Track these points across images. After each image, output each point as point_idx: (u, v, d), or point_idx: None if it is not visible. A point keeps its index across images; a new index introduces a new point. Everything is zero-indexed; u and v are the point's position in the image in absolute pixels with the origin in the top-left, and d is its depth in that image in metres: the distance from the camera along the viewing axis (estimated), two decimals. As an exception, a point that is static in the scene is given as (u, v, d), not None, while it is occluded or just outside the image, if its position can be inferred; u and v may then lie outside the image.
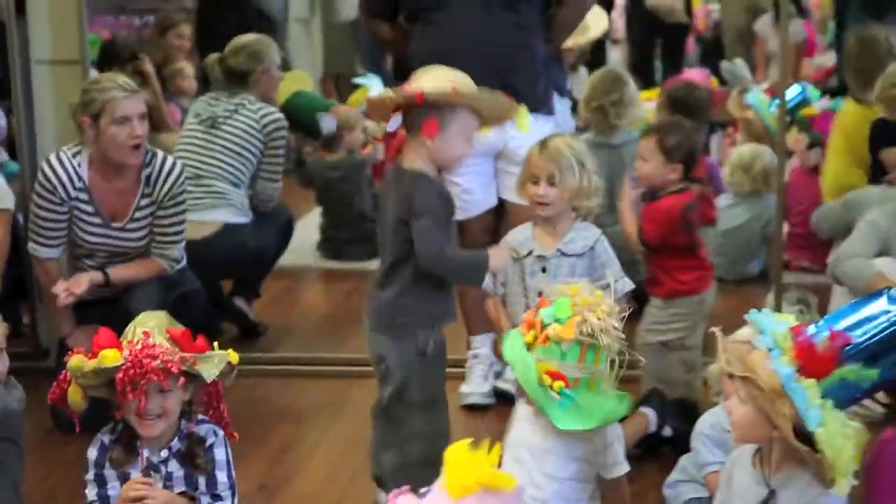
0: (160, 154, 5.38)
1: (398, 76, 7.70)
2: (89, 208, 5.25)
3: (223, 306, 6.29)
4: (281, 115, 6.34)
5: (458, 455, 2.86)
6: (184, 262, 5.42)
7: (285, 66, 7.15)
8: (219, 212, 6.07)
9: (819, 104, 7.76)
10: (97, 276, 5.21)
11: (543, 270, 4.58)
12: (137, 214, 5.27)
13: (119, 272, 5.27)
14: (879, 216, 5.38)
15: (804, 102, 7.30)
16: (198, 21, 8.06)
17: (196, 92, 7.46)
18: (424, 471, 3.41)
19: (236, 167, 6.19)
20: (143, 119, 5.12)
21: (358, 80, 8.41)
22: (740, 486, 3.62)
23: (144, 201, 5.22)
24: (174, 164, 5.37)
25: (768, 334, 3.49)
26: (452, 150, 4.12)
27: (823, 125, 7.40)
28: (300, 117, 7.56)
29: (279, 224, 6.68)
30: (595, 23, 6.31)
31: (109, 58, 7.15)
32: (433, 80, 4.10)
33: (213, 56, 6.79)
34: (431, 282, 4.07)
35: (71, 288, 5.10)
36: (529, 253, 4.63)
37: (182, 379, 3.63)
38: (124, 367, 3.56)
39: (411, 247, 4.01)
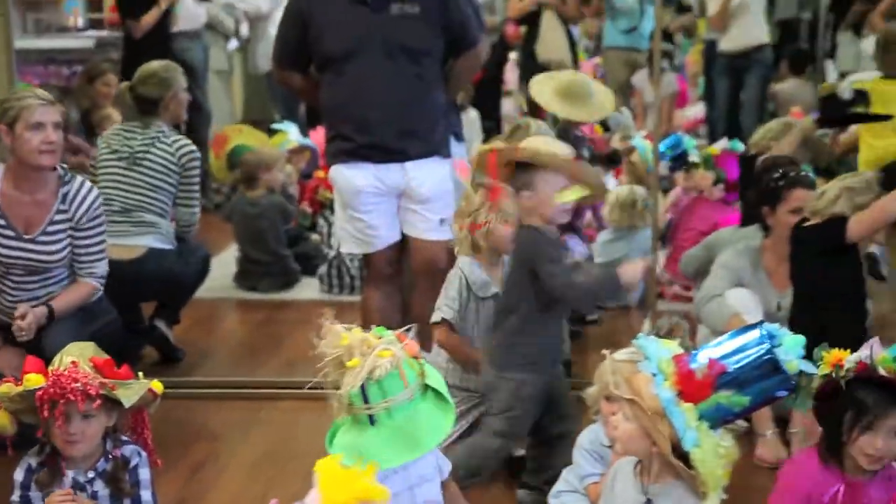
0: (78, 177, 5.25)
1: (311, 123, 7.79)
2: (1, 220, 5.10)
3: (143, 332, 6.12)
4: (193, 147, 6.28)
5: (333, 469, 3.02)
6: (100, 292, 5.27)
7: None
8: (146, 238, 5.96)
9: (720, 145, 7.91)
10: (41, 311, 5.03)
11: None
12: (51, 228, 5.10)
13: (61, 302, 5.11)
14: (730, 256, 5.55)
15: (677, 148, 7.42)
16: (123, 70, 7.87)
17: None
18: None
19: (159, 199, 6.10)
20: (58, 128, 4.97)
21: (276, 126, 8.44)
22: (622, 494, 3.64)
23: (60, 216, 5.08)
24: (91, 188, 5.25)
25: (653, 360, 3.54)
26: (547, 207, 4.24)
27: (724, 163, 7.57)
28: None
29: (199, 256, 6.57)
30: (605, 100, 6.42)
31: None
32: (545, 144, 4.36)
33: (124, 85, 6.72)
34: (535, 328, 4.22)
35: (26, 328, 4.92)
36: (495, 294, 4.68)
37: (98, 402, 3.61)
38: (45, 387, 3.59)
39: (518, 293, 4.20)
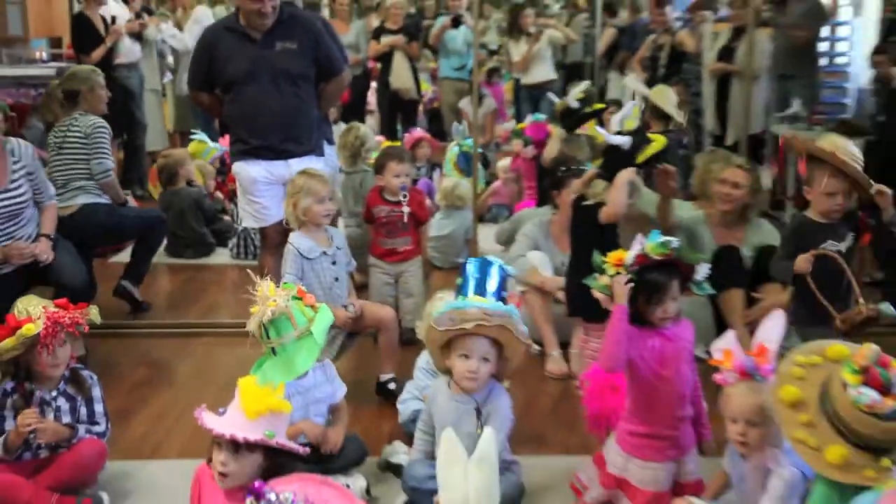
0: (11, 137, 5.19)
1: (222, 132, 7.72)
2: None
3: (93, 281, 5.77)
4: (99, 120, 6.09)
5: (251, 386, 3.13)
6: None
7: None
8: (78, 198, 5.79)
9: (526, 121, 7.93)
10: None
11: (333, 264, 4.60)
12: (14, 177, 4.94)
13: (47, 228, 5.05)
14: (529, 228, 5.57)
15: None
16: None
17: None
18: None
19: (81, 166, 5.95)
20: None
21: (193, 135, 8.27)
22: (441, 406, 3.61)
23: (15, 165, 4.95)
24: (25, 143, 5.14)
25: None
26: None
27: (530, 132, 7.56)
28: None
29: (146, 216, 6.42)
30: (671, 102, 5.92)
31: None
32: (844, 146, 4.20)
33: (54, 82, 6.67)
34: None
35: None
36: (323, 253, 4.58)
37: (73, 330, 3.63)
38: (45, 328, 3.56)
39: None
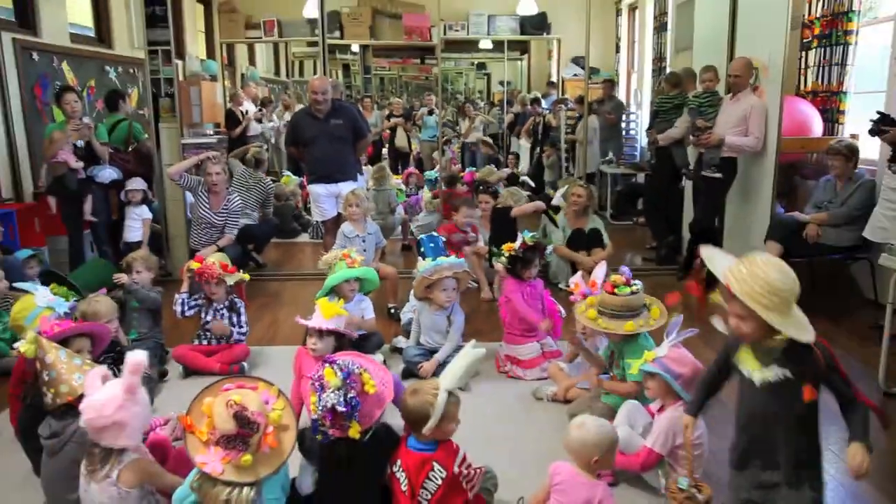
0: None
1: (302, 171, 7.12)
2: (206, 202, 4.99)
3: (249, 254, 5.82)
4: (264, 179, 6.10)
5: (325, 302, 3.03)
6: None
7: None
8: (244, 220, 5.58)
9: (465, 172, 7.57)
10: (227, 238, 4.96)
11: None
12: (221, 210, 4.94)
13: (224, 242, 4.94)
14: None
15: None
16: (229, 149, 7.27)
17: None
18: None
19: (254, 200, 6.02)
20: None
21: (284, 174, 8.39)
22: (425, 316, 3.65)
23: (222, 207, 4.95)
24: (235, 195, 5.16)
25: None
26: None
27: (467, 177, 7.09)
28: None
29: (272, 224, 6.36)
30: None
31: None
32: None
33: (254, 148, 6.63)
34: None
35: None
36: (357, 235, 4.50)
37: (217, 280, 3.70)
38: (199, 269, 3.70)
39: None
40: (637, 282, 2.89)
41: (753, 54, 4.96)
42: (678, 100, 5.92)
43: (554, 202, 5.26)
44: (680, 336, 2.52)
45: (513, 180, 7.21)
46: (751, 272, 1.79)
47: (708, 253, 1.97)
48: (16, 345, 2.50)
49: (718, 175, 5.05)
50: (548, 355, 3.61)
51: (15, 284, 3.42)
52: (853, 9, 5.08)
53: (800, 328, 1.80)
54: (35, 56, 6.05)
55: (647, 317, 2.84)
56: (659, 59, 8.41)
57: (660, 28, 8.39)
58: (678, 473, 2.40)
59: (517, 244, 3.61)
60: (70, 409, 2.24)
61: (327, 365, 2.12)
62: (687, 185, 5.97)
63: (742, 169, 5.08)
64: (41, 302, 2.81)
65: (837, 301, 4.63)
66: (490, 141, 9.13)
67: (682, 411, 2.35)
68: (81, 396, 2.14)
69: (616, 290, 2.84)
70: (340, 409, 2.05)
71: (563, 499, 2.13)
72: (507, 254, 3.63)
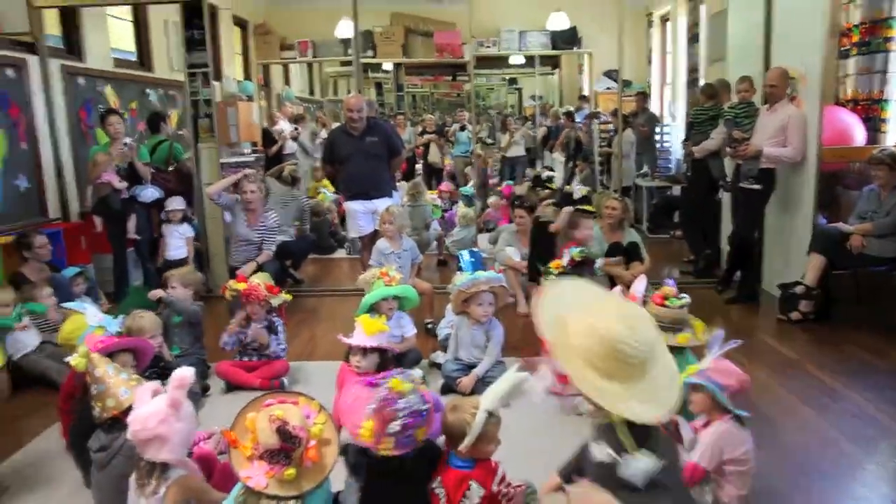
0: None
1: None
2: (245, 221, 4.97)
3: (286, 271, 5.82)
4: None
5: (367, 319, 3.00)
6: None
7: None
8: (282, 237, 5.58)
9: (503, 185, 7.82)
10: (266, 254, 4.89)
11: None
12: (258, 227, 4.92)
13: (263, 258, 4.88)
14: (505, 234, 5.32)
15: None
16: (266, 167, 7.36)
17: None
18: None
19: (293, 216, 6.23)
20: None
21: (322, 190, 8.54)
22: (463, 331, 3.65)
23: (259, 224, 4.95)
24: (273, 215, 5.10)
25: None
26: None
27: (505, 190, 7.49)
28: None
29: (309, 240, 6.44)
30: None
31: None
32: None
33: (290, 166, 6.82)
34: None
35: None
36: (392, 252, 4.48)
37: (263, 301, 3.70)
38: (245, 290, 3.70)
39: None
40: (685, 295, 2.84)
41: (790, 63, 4.92)
42: (714, 111, 5.85)
43: (575, 195, 5.17)
44: (723, 348, 2.44)
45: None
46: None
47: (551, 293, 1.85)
48: (66, 359, 2.57)
49: (757, 186, 4.98)
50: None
51: (63, 304, 3.48)
52: (893, 15, 5.01)
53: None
54: (81, 81, 6.23)
55: (692, 332, 2.77)
56: (692, 70, 8.35)
57: (692, 39, 8.33)
58: (724, 490, 2.35)
59: (565, 261, 3.56)
60: (117, 422, 2.30)
61: (392, 377, 2.13)
62: (725, 197, 5.89)
63: (782, 180, 5.03)
64: (92, 321, 2.86)
65: (884, 314, 4.51)
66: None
67: (729, 425, 2.31)
68: (128, 410, 2.19)
69: (667, 303, 2.78)
70: (423, 407, 2.07)
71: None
72: (555, 271, 3.58)
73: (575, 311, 1.70)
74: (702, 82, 7.05)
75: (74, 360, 2.48)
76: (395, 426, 2.05)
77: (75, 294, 4.54)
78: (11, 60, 5.39)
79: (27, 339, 4.01)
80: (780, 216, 5.15)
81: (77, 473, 2.70)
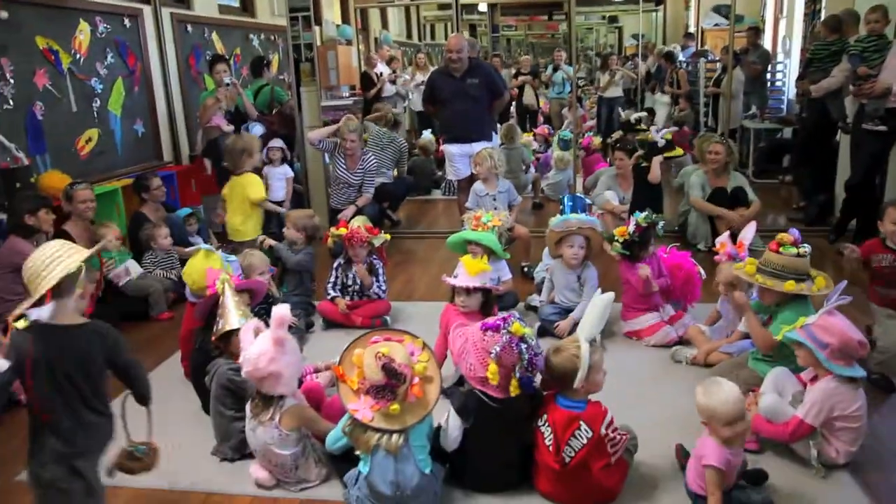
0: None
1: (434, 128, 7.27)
2: (343, 163, 5.09)
3: (384, 212, 5.90)
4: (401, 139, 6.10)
5: (469, 260, 2.97)
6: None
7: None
8: (380, 178, 5.67)
9: (590, 134, 7.66)
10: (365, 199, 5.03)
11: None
12: (358, 169, 5.03)
13: (362, 201, 5.04)
14: (605, 177, 5.23)
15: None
16: (364, 112, 7.30)
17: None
18: None
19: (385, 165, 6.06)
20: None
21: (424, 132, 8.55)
22: (558, 274, 3.63)
23: (359, 165, 5.03)
24: (370, 155, 5.18)
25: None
26: None
27: (584, 141, 7.23)
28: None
29: (408, 182, 6.47)
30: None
31: None
32: None
33: (390, 110, 6.71)
34: None
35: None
36: (487, 194, 4.48)
37: (365, 242, 3.72)
38: (347, 234, 3.71)
39: None
40: (806, 245, 2.70)
41: (930, -9, 4.47)
42: (836, 46, 5.40)
43: (659, 144, 5.01)
44: (833, 302, 2.35)
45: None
46: None
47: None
48: (187, 294, 2.88)
49: (883, 128, 4.61)
50: (672, 319, 3.49)
51: (197, 244, 3.50)
52: None
53: None
54: (189, 28, 6.44)
55: (810, 285, 2.64)
56: (812, 1, 7.71)
57: (813, -34, 7.69)
58: (832, 445, 2.31)
59: (631, 227, 3.43)
60: (219, 352, 2.54)
61: (513, 321, 2.20)
62: (843, 140, 5.49)
63: (911, 121, 4.62)
64: (221, 262, 2.95)
65: None
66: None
67: (837, 382, 2.26)
68: (227, 335, 2.47)
69: (781, 249, 2.67)
70: (540, 350, 2.20)
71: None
72: (620, 239, 3.46)
73: None
74: (823, 14, 6.51)
75: (219, 284, 2.64)
76: (520, 368, 2.13)
77: (188, 233, 4.77)
78: (128, 10, 5.63)
79: (133, 268, 4.20)
80: (905, 161, 4.78)
81: (196, 399, 2.88)
